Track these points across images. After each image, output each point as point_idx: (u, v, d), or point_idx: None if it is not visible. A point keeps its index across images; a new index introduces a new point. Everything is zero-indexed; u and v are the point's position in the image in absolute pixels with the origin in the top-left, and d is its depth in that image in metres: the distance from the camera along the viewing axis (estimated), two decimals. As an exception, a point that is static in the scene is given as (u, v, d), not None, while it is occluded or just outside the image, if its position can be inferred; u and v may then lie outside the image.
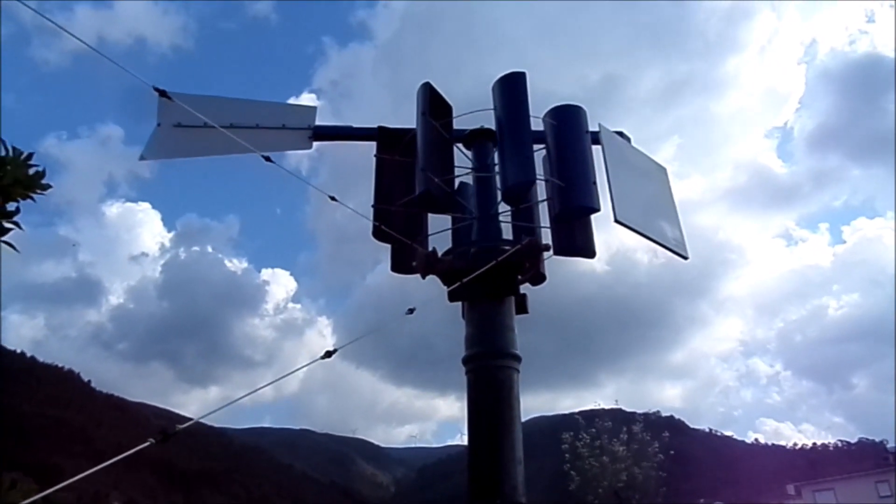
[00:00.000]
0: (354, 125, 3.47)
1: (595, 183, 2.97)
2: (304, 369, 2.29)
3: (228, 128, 3.00)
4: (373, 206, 3.14)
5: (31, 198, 2.03)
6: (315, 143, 3.40)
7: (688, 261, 3.20)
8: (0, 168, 1.93)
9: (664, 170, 3.55)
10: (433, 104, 3.09)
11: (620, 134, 3.41)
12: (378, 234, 3.16)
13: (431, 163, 2.96)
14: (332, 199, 2.96)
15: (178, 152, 3.21)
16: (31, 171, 2.00)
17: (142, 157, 3.06)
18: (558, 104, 3.19)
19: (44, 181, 2.02)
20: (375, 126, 3.36)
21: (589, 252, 3.09)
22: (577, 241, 3.08)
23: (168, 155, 3.21)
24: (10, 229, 1.94)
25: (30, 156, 2.00)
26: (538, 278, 3.09)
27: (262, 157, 2.74)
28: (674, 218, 3.30)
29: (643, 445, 21.70)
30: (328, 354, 2.19)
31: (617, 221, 2.76)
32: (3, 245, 1.92)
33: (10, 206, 1.94)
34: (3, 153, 1.96)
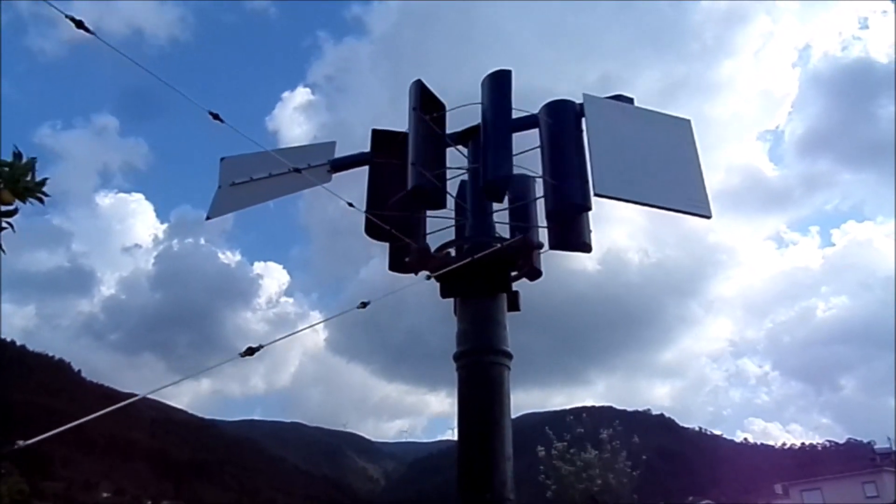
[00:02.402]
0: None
1: (588, 182, 2.88)
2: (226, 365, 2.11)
3: (269, 178, 3.50)
4: (365, 210, 3.15)
5: (40, 200, 2.07)
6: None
7: (710, 219, 2.83)
8: (11, 171, 1.98)
9: (685, 123, 3.17)
10: (425, 100, 3.10)
11: (620, 97, 3.21)
12: (371, 231, 3.17)
13: (423, 157, 2.95)
14: (350, 205, 3.10)
15: (236, 206, 3.63)
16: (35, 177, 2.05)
17: (208, 217, 3.53)
18: (552, 99, 3.15)
19: (37, 176, 2.06)
20: (372, 126, 3.40)
21: (584, 247, 3.07)
22: (571, 237, 3.07)
23: (229, 210, 3.65)
24: (4, 228, 1.98)
25: (33, 160, 2.04)
26: (534, 273, 3.08)
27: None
28: (692, 175, 2.96)
29: (614, 453, 21.67)
30: (250, 351, 1.97)
31: (597, 195, 2.69)
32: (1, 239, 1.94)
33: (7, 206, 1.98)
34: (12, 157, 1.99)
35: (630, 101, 3.22)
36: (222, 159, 3.69)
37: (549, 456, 21.69)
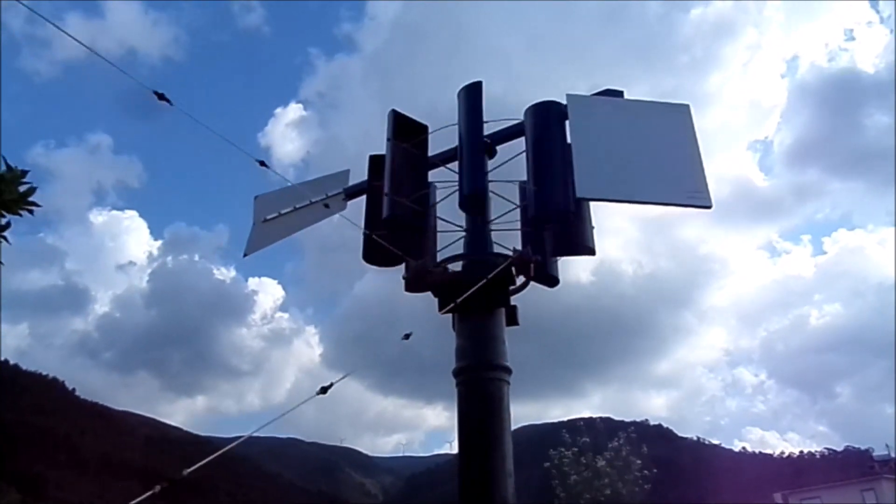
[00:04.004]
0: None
1: (569, 183, 2.74)
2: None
3: (294, 211, 3.74)
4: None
5: (29, 211, 2.05)
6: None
7: (710, 209, 2.57)
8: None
9: (683, 109, 2.89)
10: (400, 128, 3.20)
11: (610, 92, 3.06)
12: (369, 257, 3.22)
13: (398, 185, 3.05)
14: (375, 236, 3.19)
15: (268, 241, 3.84)
16: (24, 187, 2.02)
17: (245, 254, 3.78)
18: (536, 102, 3.11)
19: (32, 197, 2.04)
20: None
21: (587, 250, 3.09)
22: (574, 240, 3.10)
23: (263, 246, 3.85)
24: None
25: (24, 173, 2.03)
26: (552, 280, 3.10)
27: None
28: (689, 165, 2.69)
29: (626, 462, 21.57)
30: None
31: (580, 198, 2.68)
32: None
33: (2, 221, 1.96)
34: (3, 168, 1.98)
35: (619, 94, 3.07)
36: (256, 198, 3.95)
37: (560, 464, 21.58)
